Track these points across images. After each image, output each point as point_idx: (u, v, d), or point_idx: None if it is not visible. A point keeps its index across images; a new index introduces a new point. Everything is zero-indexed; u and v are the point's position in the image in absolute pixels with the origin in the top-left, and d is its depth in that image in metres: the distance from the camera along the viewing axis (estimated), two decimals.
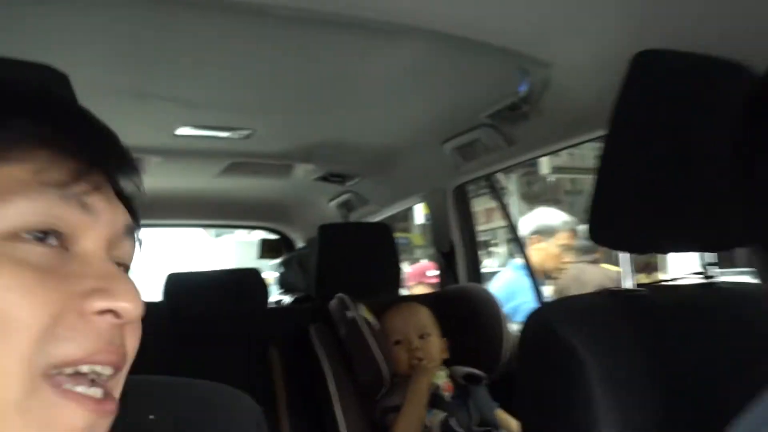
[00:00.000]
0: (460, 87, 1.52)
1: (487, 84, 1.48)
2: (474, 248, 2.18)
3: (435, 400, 1.52)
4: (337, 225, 1.99)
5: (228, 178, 2.22)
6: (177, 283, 1.77)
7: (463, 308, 1.76)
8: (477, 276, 2.10)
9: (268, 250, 3.09)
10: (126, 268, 0.43)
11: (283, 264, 2.77)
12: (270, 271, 3.09)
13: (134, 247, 0.45)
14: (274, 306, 1.93)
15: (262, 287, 1.89)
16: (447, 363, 1.65)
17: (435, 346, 1.63)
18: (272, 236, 3.12)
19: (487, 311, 1.72)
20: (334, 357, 1.59)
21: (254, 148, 1.91)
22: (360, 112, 1.71)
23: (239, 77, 1.43)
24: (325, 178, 2.30)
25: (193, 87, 1.46)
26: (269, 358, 1.77)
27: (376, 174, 2.26)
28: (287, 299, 2.67)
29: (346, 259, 1.88)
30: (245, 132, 1.74)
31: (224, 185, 2.34)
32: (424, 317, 1.67)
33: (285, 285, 2.72)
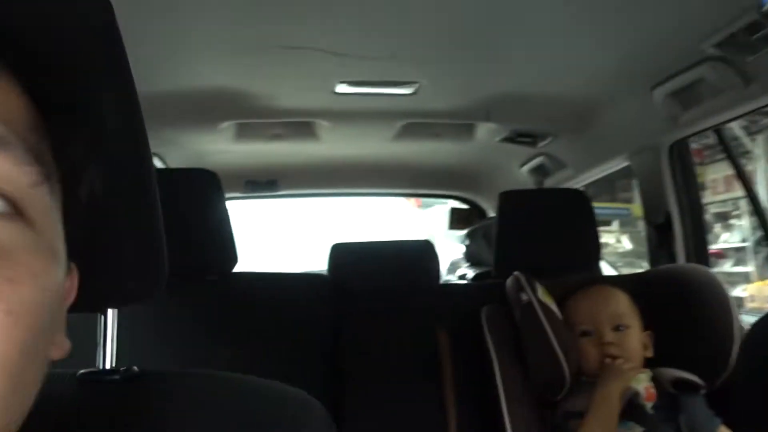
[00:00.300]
0: (673, 7, 1.15)
1: None
2: (698, 220, 1.75)
3: (632, 410, 1.20)
4: (520, 191, 1.72)
5: (405, 141, 2.07)
6: (342, 254, 1.67)
7: (676, 294, 1.39)
8: (701, 255, 1.68)
9: (458, 220, 2.92)
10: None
11: (468, 236, 2.57)
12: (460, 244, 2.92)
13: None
14: (447, 282, 1.73)
15: (434, 261, 1.71)
16: (650, 363, 1.31)
17: (634, 341, 1.30)
18: (463, 206, 2.94)
19: (710, 299, 1.33)
20: (506, 346, 1.36)
21: (424, 106, 1.72)
22: (541, 57, 1.42)
23: (399, 22, 1.25)
24: (511, 139, 2.03)
25: (348, 37, 1.32)
26: (437, 340, 1.58)
27: (572, 132, 1.93)
28: (471, 274, 2.47)
29: (531, 231, 1.61)
30: (410, 87, 1.55)
31: (402, 150, 2.20)
32: (622, 304, 1.34)
33: (470, 259, 2.52)
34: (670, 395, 1.25)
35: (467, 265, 2.62)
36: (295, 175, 2.56)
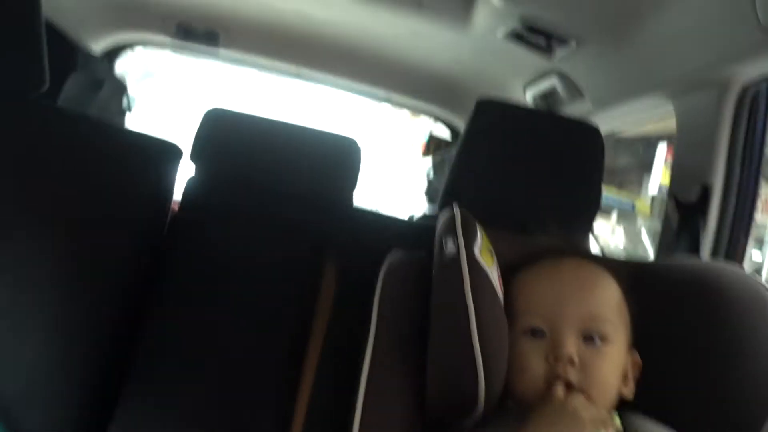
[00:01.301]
0: None
1: None
2: (751, 204, 1.19)
3: None
4: (507, 104, 1.15)
5: (377, 9, 1.48)
6: (219, 127, 1.12)
7: (693, 303, 0.83)
8: (738, 252, 1.14)
9: (435, 149, 2.36)
10: None
11: (434, 166, 2.02)
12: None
13: None
14: (362, 210, 1.18)
15: (351, 173, 1.15)
16: (623, 408, 0.78)
17: (610, 365, 0.76)
18: (444, 135, 2.36)
19: (753, 319, 0.78)
20: (400, 316, 0.82)
21: None
22: None
23: None
24: (519, 36, 1.42)
25: None
26: (322, 276, 1.05)
27: (601, 42, 1.34)
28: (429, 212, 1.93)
29: (507, 162, 1.07)
30: None
31: (374, 27, 1.61)
32: (605, 300, 0.80)
33: (430, 193, 1.98)
34: None
35: (429, 204, 2.08)
36: (240, 32, 1.98)
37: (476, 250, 0.77)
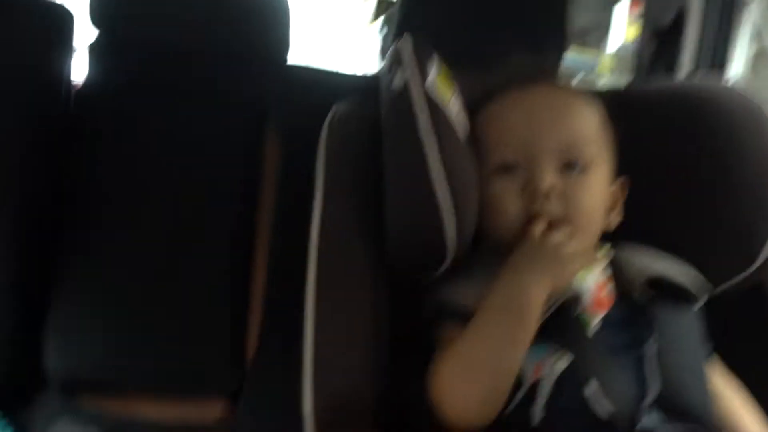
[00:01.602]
0: None
1: None
2: (728, 26, 1.08)
3: (561, 323, 0.60)
4: None
5: None
6: None
7: (683, 126, 0.73)
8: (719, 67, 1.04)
9: (386, 10, 2.20)
10: None
11: (386, 21, 1.86)
12: None
13: None
14: (300, 67, 1.03)
15: (281, 27, 0.99)
16: (613, 238, 0.70)
17: (594, 193, 0.67)
18: None
19: (746, 139, 0.68)
20: (350, 172, 0.70)
21: None
22: None
23: None
24: None
25: None
26: (263, 146, 0.92)
27: None
28: None
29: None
30: None
31: None
32: (584, 124, 0.69)
33: (385, 50, 1.82)
34: (638, 306, 0.65)
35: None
36: None
37: (430, 80, 0.64)
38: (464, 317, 0.61)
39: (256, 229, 0.89)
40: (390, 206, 0.64)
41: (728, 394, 0.67)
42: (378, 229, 0.66)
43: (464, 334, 0.59)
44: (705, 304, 0.67)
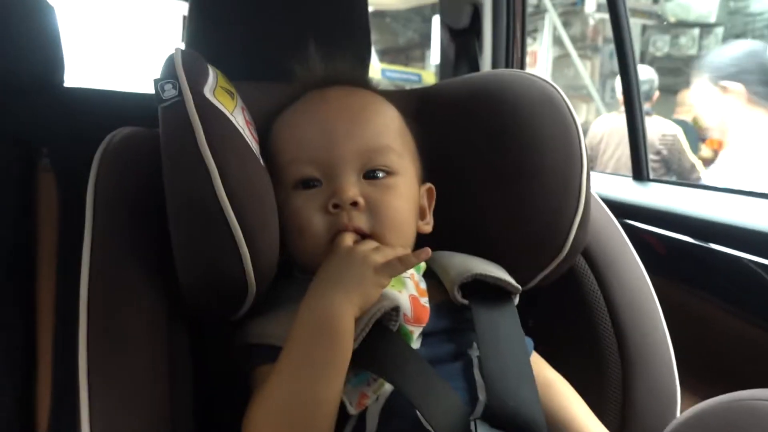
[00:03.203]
0: None
1: None
2: (521, 18, 1.12)
3: (380, 343, 0.56)
4: None
5: None
6: None
7: (488, 112, 0.71)
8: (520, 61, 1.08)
9: None
10: None
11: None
12: None
13: None
14: (77, 89, 0.90)
15: (51, 40, 0.86)
16: (427, 244, 0.67)
17: (402, 198, 0.63)
18: None
19: (550, 128, 0.68)
20: (130, 205, 0.60)
21: None
22: None
23: None
24: None
25: None
26: (36, 179, 0.79)
27: None
28: None
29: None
30: None
31: None
32: (383, 128, 0.65)
33: None
34: (458, 310, 0.63)
35: None
36: None
37: (207, 89, 0.57)
38: (275, 356, 0.54)
39: (38, 285, 0.76)
40: (175, 245, 0.55)
41: (556, 380, 0.66)
42: (165, 270, 0.57)
43: (274, 372, 0.52)
44: (525, 294, 0.67)
